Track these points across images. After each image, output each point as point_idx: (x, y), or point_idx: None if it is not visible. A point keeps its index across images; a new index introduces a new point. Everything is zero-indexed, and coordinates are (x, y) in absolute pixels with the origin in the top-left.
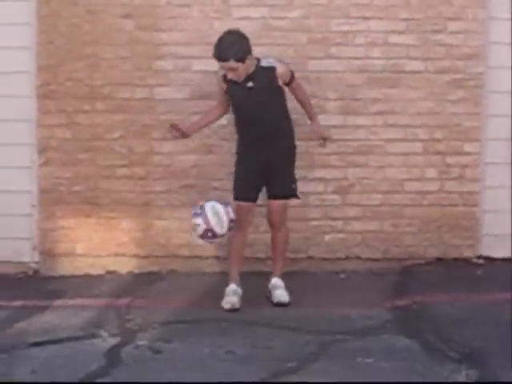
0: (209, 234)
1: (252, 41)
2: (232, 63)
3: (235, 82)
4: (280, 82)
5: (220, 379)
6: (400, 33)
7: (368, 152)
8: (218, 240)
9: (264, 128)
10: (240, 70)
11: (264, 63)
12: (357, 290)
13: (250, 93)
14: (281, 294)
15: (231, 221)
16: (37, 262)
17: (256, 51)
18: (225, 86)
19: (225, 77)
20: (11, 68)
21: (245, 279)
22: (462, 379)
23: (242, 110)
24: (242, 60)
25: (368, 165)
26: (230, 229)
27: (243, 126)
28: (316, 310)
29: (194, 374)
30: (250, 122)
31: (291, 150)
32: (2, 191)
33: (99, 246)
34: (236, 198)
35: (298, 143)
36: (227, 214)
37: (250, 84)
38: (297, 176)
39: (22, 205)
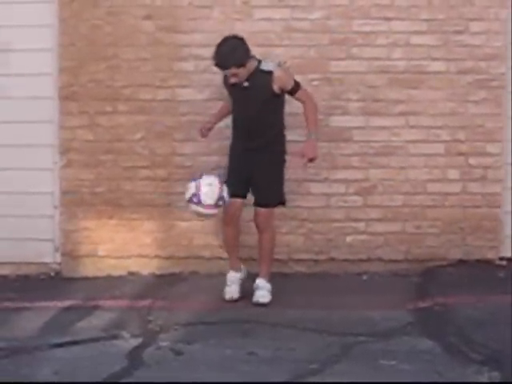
0: (194, 199)
1: (273, 42)
2: (233, 70)
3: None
4: (275, 87)
5: (242, 380)
6: (422, 33)
7: (390, 153)
8: (200, 209)
9: (253, 128)
10: (241, 74)
11: (263, 66)
12: (379, 292)
13: (244, 92)
14: (261, 294)
15: (221, 198)
16: (59, 263)
17: (277, 52)
18: (226, 84)
19: (225, 75)
20: (33, 70)
21: None
22: (485, 381)
23: (235, 106)
24: (242, 65)
25: (390, 166)
26: (217, 205)
27: (236, 121)
28: (338, 312)
29: (216, 376)
30: (242, 119)
31: (279, 155)
32: (24, 192)
33: (121, 247)
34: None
35: (319, 144)
36: (220, 190)
37: (246, 84)
38: (318, 177)
39: (44, 206)
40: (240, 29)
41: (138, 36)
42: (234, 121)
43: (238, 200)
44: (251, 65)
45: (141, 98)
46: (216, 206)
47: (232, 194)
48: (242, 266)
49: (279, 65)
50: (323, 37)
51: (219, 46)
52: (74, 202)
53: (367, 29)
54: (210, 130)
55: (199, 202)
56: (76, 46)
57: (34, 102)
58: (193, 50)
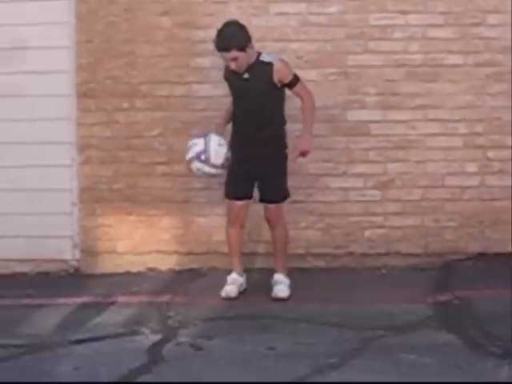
0: (202, 156)
1: (290, 37)
2: (234, 53)
3: (233, 72)
4: (276, 79)
5: (261, 376)
6: (439, 26)
7: (408, 147)
8: (206, 168)
9: (255, 122)
10: (241, 60)
11: (264, 58)
12: (398, 286)
13: (245, 84)
14: (280, 289)
15: (227, 159)
16: (78, 260)
17: (294, 47)
18: (225, 75)
19: (227, 66)
20: (51, 67)
21: None
22: (505, 374)
23: (236, 99)
24: (243, 49)
25: (408, 160)
26: (223, 166)
27: (237, 116)
28: (357, 306)
29: (236, 371)
30: (243, 113)
31: (281, 150)
32: (43, 189)
33: (140, 243)
34: (226, 196)
35: (337, 139)
36: (227, 152)
37: (246, 75)
38: (336, 172)
39: (63, 203)
40: (256, 24)
41: (154, 32)
42: (235, 116)
43: (240, 202)
44: (251, 54)
45: (158, 94)
46: (222, 166)
47: (235, 197)
48: (243, 273)
49: (279, 58)
50: (340, 31)
51: (221, 28)
52: (92, 198)
53: (384, 22)
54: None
55: (207, 161)
56: (93, 42)
57: (51, 100)
58: (209, 45)
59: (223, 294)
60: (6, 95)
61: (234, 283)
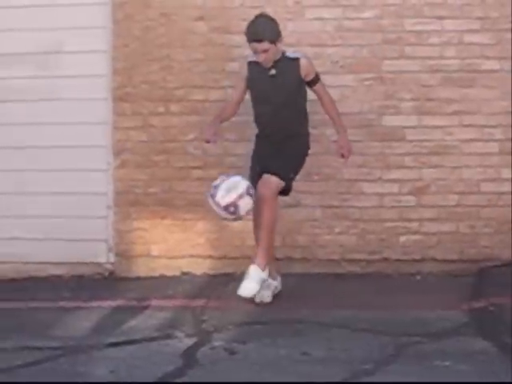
0: (211, 190)
1: (325, 42)
2: (266, 44)
3: (258, 69)
4: (303, 75)
5: (296, 380)
6: (475, 32)
7: (443, 152)
8: (212, 204)
9: (279, 121)
10: (270, 53)
11: (289, 54)
12: (432, 292)
13: (272, 81)
14: (245, 286)
15: (225, 207)
16: (112, 263)
17: (329, 52)
18: (246, 72)
19: (249, 63)
20: (87, 71)
21: (319, 281)
22: None
23: (260, 98)
24: (274, 42)
25: (443, 165)
26: (232, 212)
27: (260, 117)
28: (392, 312)
29: (270, 375)
30: (267, 113)
31: (304, 148)
32: (78, 193)
33: (174, 247)
34: None
35: (372, 144)
36: (217, 206)
37: (273, 72)
38: (371, 177)
39: (98, 206)
40: (292, 29)
41: (190, 37)
42: (258, 117)
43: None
44: (279, 50)
45: (193, 98)
46: (225, 209)
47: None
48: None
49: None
50: (375, 36)
51: (254, 19)
52: (127, 202)
53: (420, 28)
54: (216, 133)
55: (214, 196)
56: (129, 47)
57: (87, 104)
58: (245, 50)
59: (257, 300)
60: (43, 99)
61: (268, 287)
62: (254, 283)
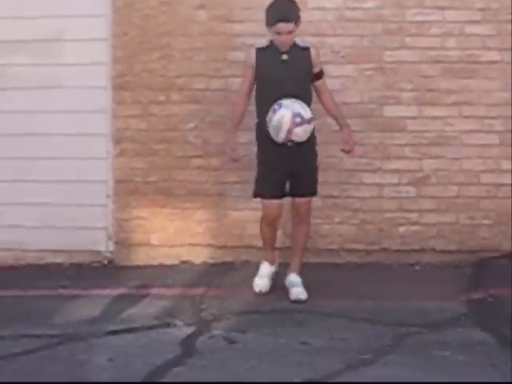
0: (297, 119)
1: (326, 31)
2: (291, 25)
3: (268, 54)
4: (313, 64)
5: (295, 370)
6: (476, 23)
7: (443, 143)
8: (306, 126)
9: None
10: (292, 36)
11: (300, 42)
12: (431, 283)
13: (283, 66)
14: (300, 291)
15: (288, 137)
16: (112, 252)
17: (330, 42)
18: (254, 59)
19: (257, 50)
20: (87, 59)
21: (318, 270)
22: None
23: (269, 83)
24: (298, 23)
25: (443, 156)
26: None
27: (267, 102)
28: (391, 302)
29: (269, 365)
30: (276, 97)
31: (312, 144)
32: (78, 181)
33: (174, 236)
34: (261, 196)
35: (372, 134)
36: (288, 132)
37: (285, 57)
38: (371, 167)
39: (98, 195)
40: None
41: (191, 25)
42: (267, 105)
43: (279, 201)
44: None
45: (194, 87)
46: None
47: (273, 196)
48: (276, 260)
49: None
50: (376, 26)
51: (278, 0)
52: (127, 190)
53: (421, 18)
54: (234, 147)
55: (303, 121)
56: (129, 35)
57: (87, 92)
58: (246, 39)
59: (257, 289)
60: (43, 87)
61: (266, 276)
62: (302, 288)
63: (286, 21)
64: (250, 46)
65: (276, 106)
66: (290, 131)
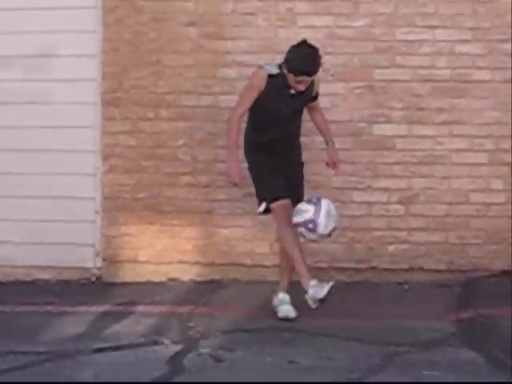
0: (310, 225)
1: None
2: (312, 77)
3: (278, 84)
4: (315, 92)
5: None
6: (466, 42)
7: (433, 162)
8: (312, 236)
9: (284, 134)
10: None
11: None
12: (420, 302)
13: (290, 99)
14: (288, 309)
15: (334, 229)
16: (99, 268)
17: (321, 60)
18: (264, 84)
19: (269, 76)
20: (77, 75)
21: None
22: None
23: (271, 113)
24: None
25: (433, 175)
26: (328, 236)
27: (263, 129)
28: (379, 322)
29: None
30: (274, 126)
31: (301, 158)
32: (66, 197)
33: (162, 253)
34: (276, 199)
35: (362, 153)
36: (336, 222)
37: (293, 91)
38: (360, 186)
39: (86, 211)
40: (283, 36)
41: (181, 42)
42: (261, 126)
43: (288, 201)
44: None
45: (183, 104)
46: (328, 236)
47: (284, 196)
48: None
49: None
50: (367, 45)
51: (311, 52)
52: (115, 207)
53: (411, 37)
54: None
55: (314, 230)
56: (119, 51)
57: (76, 107)
58: (236, 56)
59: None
60: (32, 102)
61: (287, 302)
62: (291, 306)
63: (311, 74)
64: (260, 68)
65: (314, 199)
66: (296, 224)
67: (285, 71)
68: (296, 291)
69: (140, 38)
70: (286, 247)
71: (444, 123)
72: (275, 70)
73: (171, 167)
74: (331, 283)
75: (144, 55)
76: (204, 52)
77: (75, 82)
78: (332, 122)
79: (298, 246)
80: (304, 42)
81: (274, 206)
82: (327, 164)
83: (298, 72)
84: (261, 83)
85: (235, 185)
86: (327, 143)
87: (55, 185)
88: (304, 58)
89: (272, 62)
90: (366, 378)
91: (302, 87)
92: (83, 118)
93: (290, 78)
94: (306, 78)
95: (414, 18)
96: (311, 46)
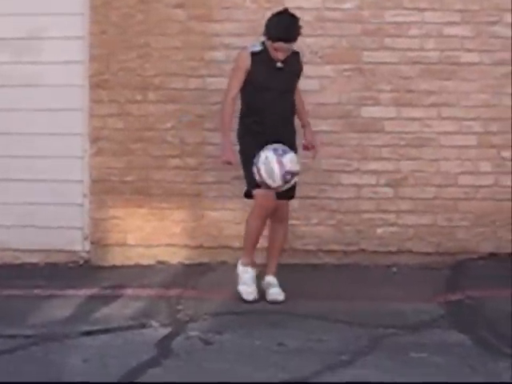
0: (279, 151)
1: (305, 31)
2: (291, 44)
3: (262, 60)
4: (301, 68)
5: (271, 371)
6: (455, 24)
7: (421, 145)
8: (290, 155)
9: (281, 113)
10: (288, 51)
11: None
12: (409, 284)
13: (277, 73)
14: (277, 292)
15: (287, 172)
16: (88, 252)
17: (309, 42)
18: (249, 63)
19: (252, 54)
20: (64, 58)
21: (295, 271)
22: None
23: (262, 89)
24: (297, 39)
25: (421, 158)
26: (285, 181)
27: (257, 109)
28: (368, 304)
29: (245, 366)
30: (267, 105)
31: (295, 145)
32: (54, 180)
33: (150, 236)
34: (259, 186)
35: (350, 135)
36: (280, 165)
37: (280, 64)
38: (349, 168)
39: (74, 194)
40: None
41: (169, 25)
42: (256, 106)
43: (273, 192)
44: None
45: (171, 86)
46: (285, 182)
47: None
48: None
49: None
50: (355, 27)
51: (292, 18)
52: (103, 190)
53: (400, 19)
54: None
55: (269, 188)
56: (107, 34)
57: (64, 90)
58: (224, 39)
59: (251, 297)
60: (20, 85)
61: (253, 281)
62: (279, 288)
63: (288, 41)
64: (243, 49)
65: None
66: (280, 164)
67: (267, 43)
68: (284, 274)
69: (128, 20)
70: (246, 236)
71: (432, 105)
72: (258, 48)
73: (159, 150)
74: (254, 297)
75: (132, 37)
76: (192, 34)
77: (63, 64)
78: (320, 105)
79: (258, 236)
80: (285, 11)
81: (256, 193)
82: (304, 147)
83: (274, 38)
84: (246, 63)
85: (229, 163)
86: (303, 126)
87: (43, 168)
88: (282, 24)
89: (256, 43)
90: (354, 360)
91: (280, 55)
92: (71, 100)
93: (270, 46)
94: (282, 44)
95: (402, 0)
96: (292, 15)
